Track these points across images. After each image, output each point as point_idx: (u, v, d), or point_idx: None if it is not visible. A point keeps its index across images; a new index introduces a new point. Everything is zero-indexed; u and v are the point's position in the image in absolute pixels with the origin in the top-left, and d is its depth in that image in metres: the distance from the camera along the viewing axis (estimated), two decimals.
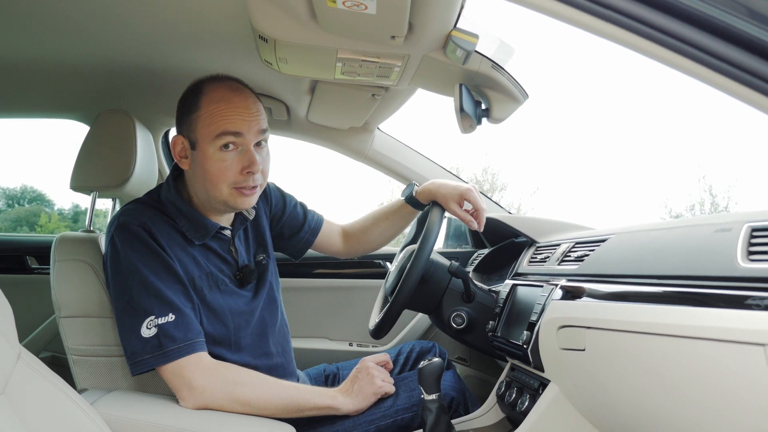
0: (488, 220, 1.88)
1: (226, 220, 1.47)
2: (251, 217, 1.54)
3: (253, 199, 1.39)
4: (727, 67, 0.82)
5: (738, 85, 0.82)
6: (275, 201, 1.70)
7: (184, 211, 1.39)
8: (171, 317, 1.25)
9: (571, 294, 1.25)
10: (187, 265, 1.35)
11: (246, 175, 1.34)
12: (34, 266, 2.47)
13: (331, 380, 1.75)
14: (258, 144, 1.37)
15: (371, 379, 1.46)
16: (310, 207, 1.81)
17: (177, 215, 1.39)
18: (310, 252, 1.82)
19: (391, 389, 1.49)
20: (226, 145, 1.32)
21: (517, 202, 12.94)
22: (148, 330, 1.23)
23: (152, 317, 1.24)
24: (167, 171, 2.32)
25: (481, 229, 1.66)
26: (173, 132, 2.33)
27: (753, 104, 0.82)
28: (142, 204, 1.39)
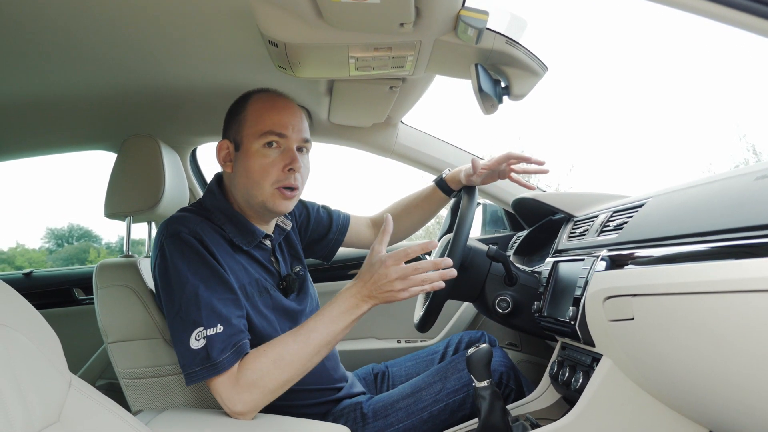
0: (523, 200, 1.86)
1: (267, 229, 1.49)
2: (288, 228, 1.56)
3: (291, 204, 1.41)
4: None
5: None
6: (298, 211, 1.72)
7: (230, 217, 1.41)
8: (219, 328, 1.23)
9: (614, 263, 1.22)
10: (237, 272, 1.36)
11: (288, 173, 1.37)
12: (81, 297, 2.53)
13: (380, 378, 1.74)
14: (299, 150, 1.41)
15: (389, 284, 1.24)
16: (334, 207, 1.82)
17: (224, 222, 1.40)
18: (347, 254, 1.81)
19: (422, 289, 1.26)
20: (269, 144, 1.36)
21: (555, 183, 12.75)
22: (196, 342, 1.22)
23: (201, 329, 1.23)
24: (198, 189, 2.35)
25: (547, 171, 1.64)
26: (200, 150, 2.36)
27: None
28: (189, 212, 1.40)
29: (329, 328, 1.25)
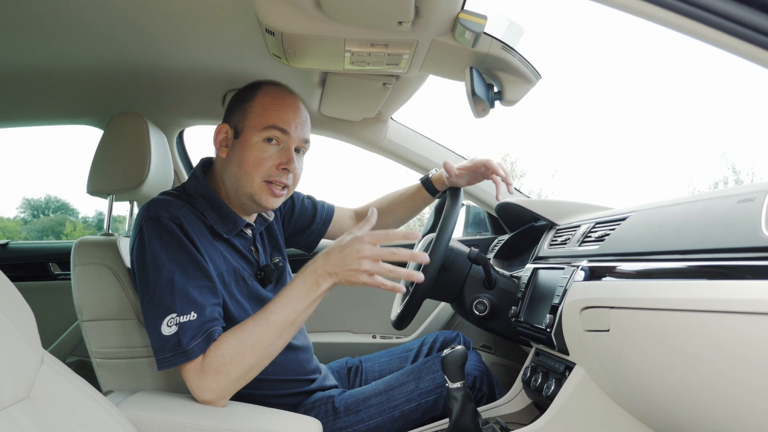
0: (507, 205, 1.87)
1: (249, 218, 1.49)
2: (271, 219, 1.56)
3: (278, 202, 1.40)
4: (743, 30, 0.80)
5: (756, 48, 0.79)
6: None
7: (213, 204, 1.40)
8: (193, 315, 1.22)
9: (593, 274, 1.23)
10: (215, 259, 1.35)
11: (281, 171, 1.37)
12: (57, 272, 2.50)
13: (353, 372, 1.75)
14: (297, 150, 1.41)
15: (358, 261, 1.20)
16: (318, 198, 1.83)
17: (206, 208, 1.39)
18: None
19: (383, 283, 1.22)
20: (269, 139, 1.36)
21: (537, 188, 12.85)
22: (168, 328, 1.21)
23: (174, 315, 1.21)
24: (183, 172, 2.33)
25: (512, 192, 1.69)
26: (187, 133, 2.35)
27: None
28: (171, 196, 1.39)
29: (288, 308, 1.22)
